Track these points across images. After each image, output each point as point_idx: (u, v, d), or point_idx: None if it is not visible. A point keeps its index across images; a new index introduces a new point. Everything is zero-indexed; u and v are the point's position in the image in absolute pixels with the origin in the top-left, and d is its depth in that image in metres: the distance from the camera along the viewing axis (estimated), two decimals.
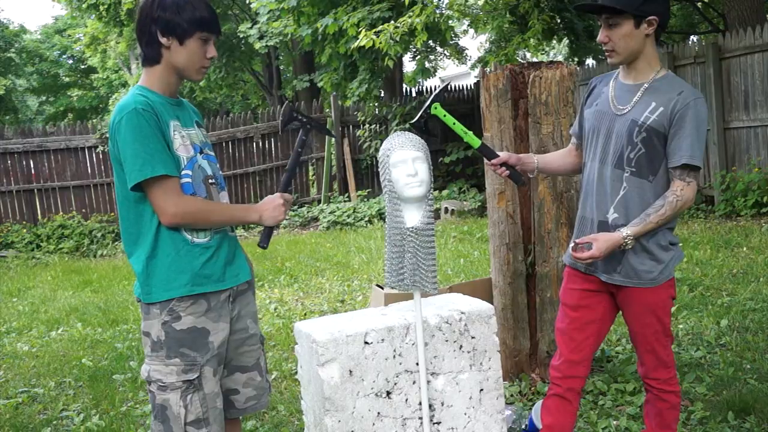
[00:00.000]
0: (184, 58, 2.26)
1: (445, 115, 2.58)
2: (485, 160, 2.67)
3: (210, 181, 2.34)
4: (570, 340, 2.60)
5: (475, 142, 2.62)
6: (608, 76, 2.62)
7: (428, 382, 2.38)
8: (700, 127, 2.38)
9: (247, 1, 14.95)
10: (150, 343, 2.27)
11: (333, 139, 12.25)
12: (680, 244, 2.60)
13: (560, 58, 20.53)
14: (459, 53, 14.35)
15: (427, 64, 12.29)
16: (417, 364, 2.36)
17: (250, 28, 13.69)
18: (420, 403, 2.37)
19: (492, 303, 3.74)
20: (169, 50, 2.25)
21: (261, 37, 13.38)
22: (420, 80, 10.43)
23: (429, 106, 2.57)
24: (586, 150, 2.62)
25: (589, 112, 2.60)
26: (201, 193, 2.29)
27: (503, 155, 2.66)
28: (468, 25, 15.47)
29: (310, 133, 2.53)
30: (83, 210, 11.74)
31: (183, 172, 2.24)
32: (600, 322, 2.61)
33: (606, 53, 2.48)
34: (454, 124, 2.59)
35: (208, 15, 2.27)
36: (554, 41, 12.49)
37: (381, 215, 10.93)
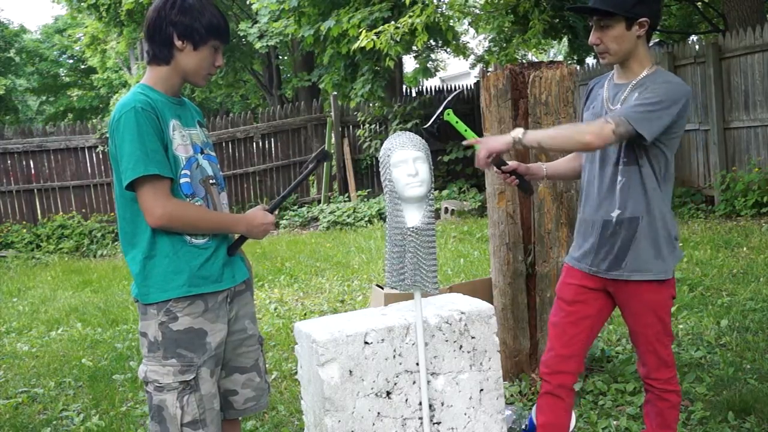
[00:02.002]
0: (194, 63, 2.27)
1: (457, 122, 2.59)
2: (494, 168, 2.65)
3: (210, 181, 2.34)
4: (562, 333, 2.60)
5: None
6: (604, 77, 2.64)
7: (428, 382, 2.38)
8: (663, 102, 2.32)
9: (248, 2, 14.93)
10: (147, 344, 2.26)
11: (333, 139, 12.25)
12: (680, 244, 2.60)
13: (560, 57, 20.50)
14: (462, 50, 14.33)
15: (428, 64, 12.26)
16: (417, 364, 2.36)
17: (251, 27, 13.67)
18: (420, 403, 2.37)
19: (492, 303, 3.74)
20: (181, 53, 2.25)
21: (261, 37, 13.36)
22: (420, 80, 10.40)
23: (442, 113, 2.59)
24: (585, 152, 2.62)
25: (588, 114, 2.63)
26: (200, 193, 2.28)
27: (512, 164, 2.65)
28: (468, 25, 15.45)
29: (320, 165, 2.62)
30: (83, 210, 11.73)
31: (182, 172, 2.23)
32: (594, 318, 2.61)
33: (599, 54, 2.49)
34: (465, 131, 2.59)
35: (224, 24, 2.30)
36: (555, 40, 12.49)
37: (381, 215, 10.92)
